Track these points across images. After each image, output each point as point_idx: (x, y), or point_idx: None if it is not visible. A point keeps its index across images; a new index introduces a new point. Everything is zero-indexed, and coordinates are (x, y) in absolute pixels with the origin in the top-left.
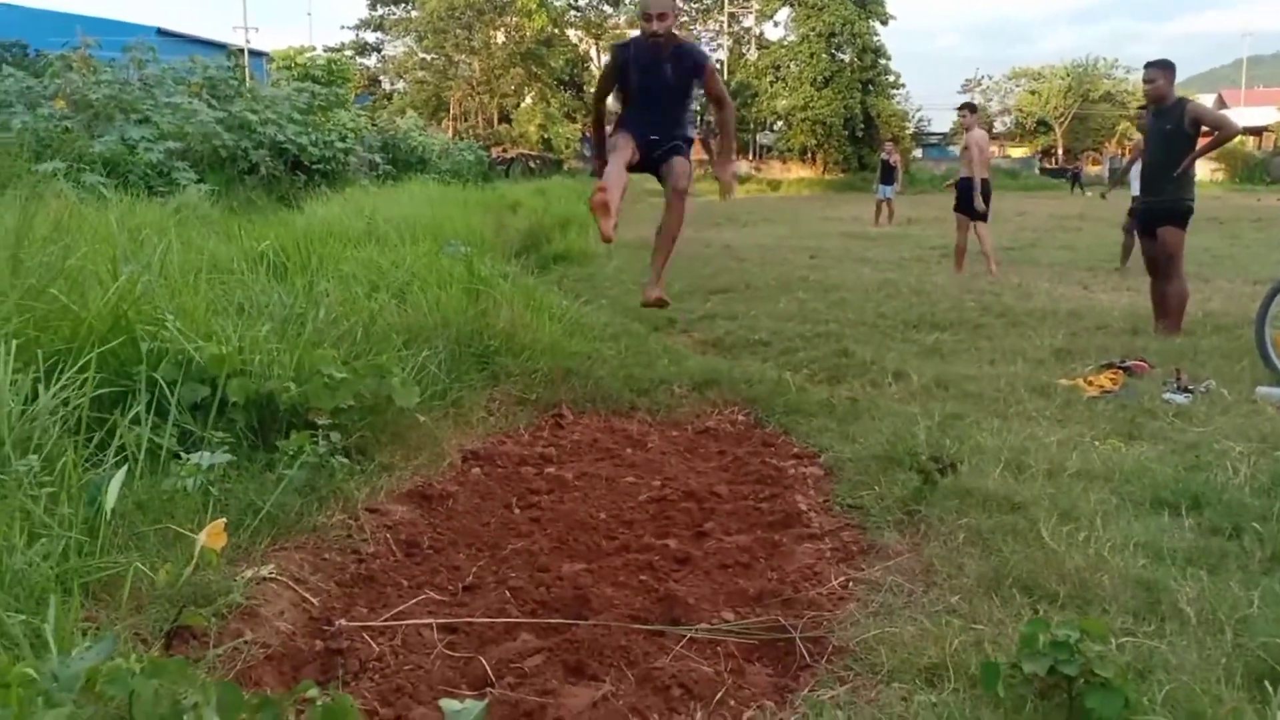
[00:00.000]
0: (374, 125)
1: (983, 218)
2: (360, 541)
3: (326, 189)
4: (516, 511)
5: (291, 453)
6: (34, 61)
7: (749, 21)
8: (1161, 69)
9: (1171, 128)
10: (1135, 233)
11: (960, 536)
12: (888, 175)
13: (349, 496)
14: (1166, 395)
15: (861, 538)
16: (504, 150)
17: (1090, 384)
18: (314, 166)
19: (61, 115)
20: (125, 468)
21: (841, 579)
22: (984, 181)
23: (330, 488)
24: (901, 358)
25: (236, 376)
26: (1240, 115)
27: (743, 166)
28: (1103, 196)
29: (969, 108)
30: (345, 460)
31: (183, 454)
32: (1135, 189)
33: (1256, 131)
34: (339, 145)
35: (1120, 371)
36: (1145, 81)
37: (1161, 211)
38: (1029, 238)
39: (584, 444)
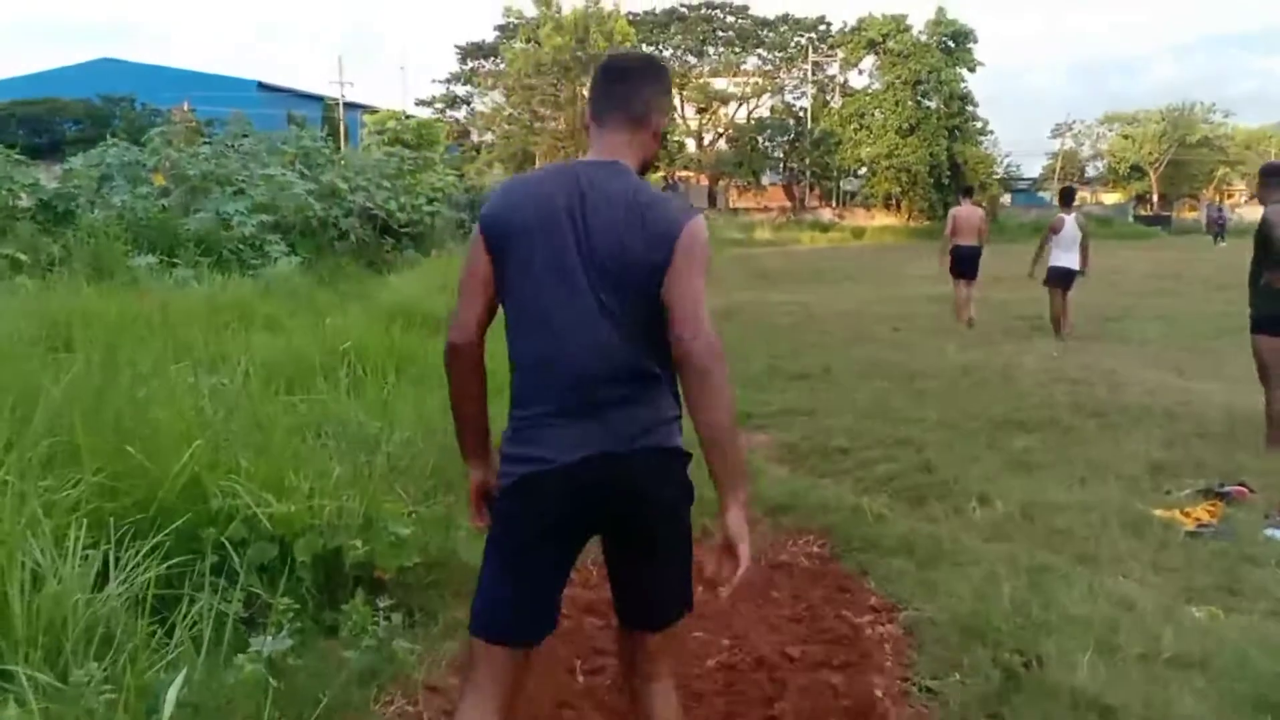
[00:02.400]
0: (461, 181)
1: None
2: None
3: (414, 251)
4: (580, 680)
5: (353, 625)
6: (140, 115)
7: (833, 69)
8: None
9: (1261, 234)
10: None
11: None
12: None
13: (409, 675)
14: (1268, 531)
15: None
16: None
17: (1187, 515)
18: (402, 230)
19: (159, 192)
20: (184, 672)
21: None
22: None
23: (391, 671)
24: (986, 473)
25: (304, 534)
26: None
27: (826, 214)
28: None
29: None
30: (407, 642)
31: (249, 622)
32: None
33: None
34: (426, 209)
35: (1219, 500)
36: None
37: (1250, 317)
38: (1122, 305)
39: None
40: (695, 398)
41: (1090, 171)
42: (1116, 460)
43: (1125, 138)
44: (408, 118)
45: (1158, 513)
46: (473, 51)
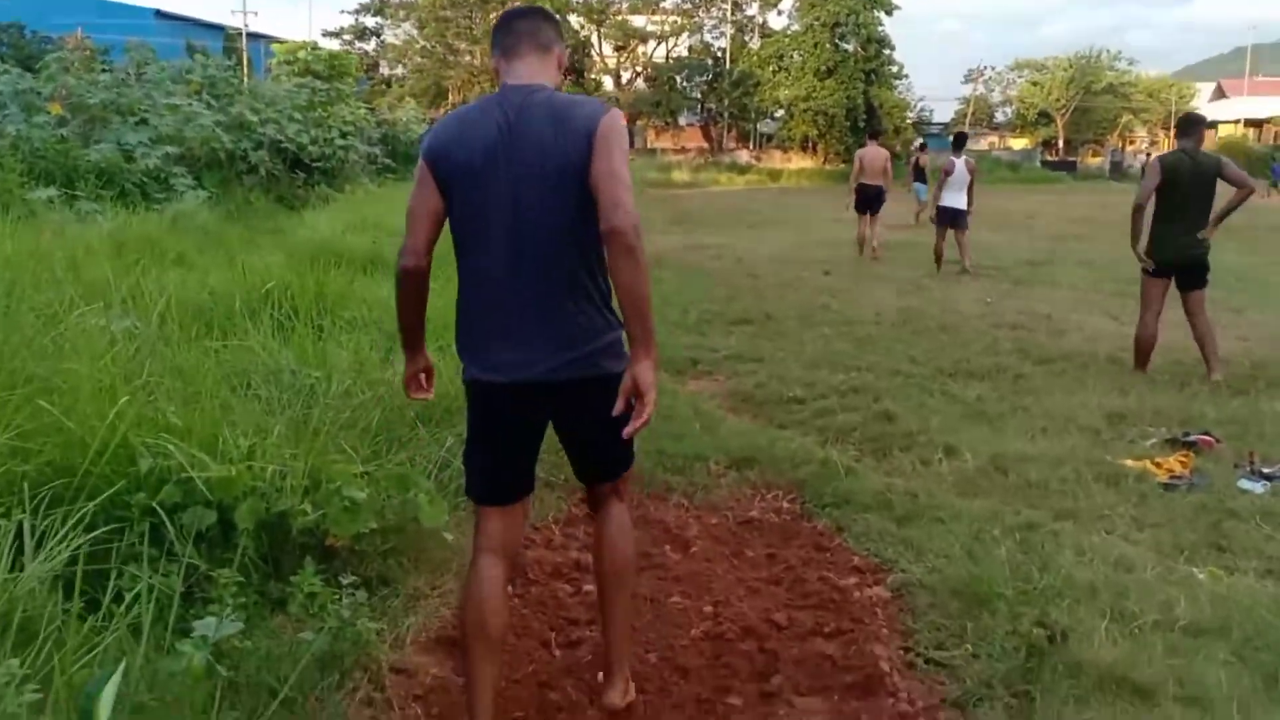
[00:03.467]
0: (372, 115)
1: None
2: None
3: (326, 187)
4: (556, 654)
5: (304, 600)
6: (30, 42)
7: (752, 10)
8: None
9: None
10: None
11: None
12: (920, 174)
13: (373, 656)
14: (1243, 483)
15: None
16: None
17: (1159, 466)
18: (314, 164)
19: (57, 122)
20: (122, 665)
21: None
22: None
23: (353, 653)
24: (947, 423)
25: (246, 498)
26: (1241, 106)
27: (743, 155)
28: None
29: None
30: (368, 620)
31: (186, 597)
32: None
33: (1258, 124)
34: (339, 143)
35: (1188, 451)
36: None
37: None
38: (1043, 250)
39: None
40: (621, 270)
41: (999, 117)
42: (1073, 409)
43: (1034, 84)
44: (316, 49)
45: (1129, 463)
46: None
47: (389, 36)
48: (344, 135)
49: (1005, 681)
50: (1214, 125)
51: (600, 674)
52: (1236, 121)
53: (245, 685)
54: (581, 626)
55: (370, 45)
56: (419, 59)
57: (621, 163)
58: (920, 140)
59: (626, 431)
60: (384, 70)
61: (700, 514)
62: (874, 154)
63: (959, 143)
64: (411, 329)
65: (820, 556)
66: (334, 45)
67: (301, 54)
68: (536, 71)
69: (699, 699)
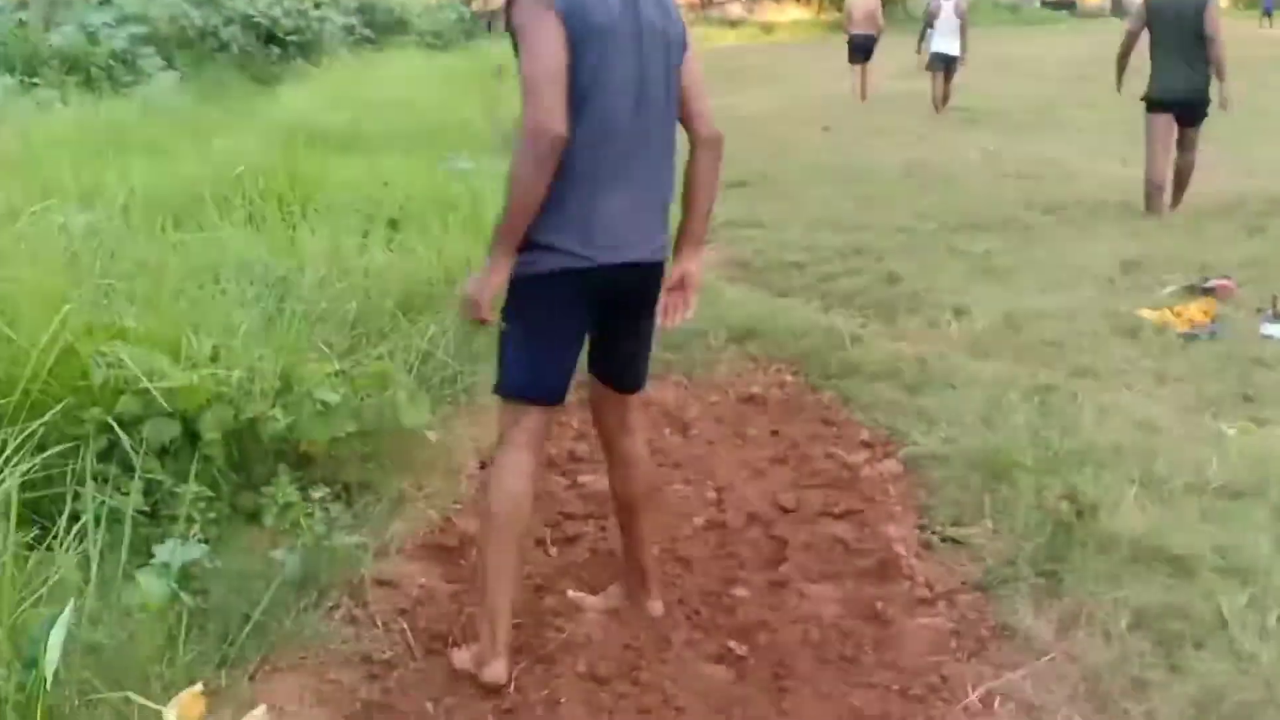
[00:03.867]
0: None
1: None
2: (372, 642)
3: (303, 61)
4: (553, 552)
5: (278, 511)
6: None
7: None
8: None
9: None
10: None
11: (1123, 622)
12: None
13: (354, 565)
14: (1266, 330)
15: (986, 609)
16: (484, 3)
17: (1179, 316)
18: (288, 38)
19: (15, 6)
20: (71, 605)
21: (980, 690)
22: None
23: (333, 569)
24: (954, 282)
25: (211, 406)
26: None
27: (735, 9)
28: None
29: None
30: (346, 533)
31: (151, 516)
32: None
33: None
34: (314, 14)
35: (1209, 297)
36: None
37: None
38: (1048, 94)
39: None
40: (707, 172)
41: None
42: (1085, 259)
43: None
44: None
45: (1147, 314)
46: None
47: None
48: (318, 5)
49: (1031, 560)
50: None
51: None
52: None
53: (214, 611)
54: (579, 521)
55: None
56: None
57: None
58: None
59: (671, 323)
60: None
61: (700, 392)
62: (864, 2)
63: None
64: (530, 217)
65: (827, 432)
66: None
67: None
68: None
69: (704, 592)
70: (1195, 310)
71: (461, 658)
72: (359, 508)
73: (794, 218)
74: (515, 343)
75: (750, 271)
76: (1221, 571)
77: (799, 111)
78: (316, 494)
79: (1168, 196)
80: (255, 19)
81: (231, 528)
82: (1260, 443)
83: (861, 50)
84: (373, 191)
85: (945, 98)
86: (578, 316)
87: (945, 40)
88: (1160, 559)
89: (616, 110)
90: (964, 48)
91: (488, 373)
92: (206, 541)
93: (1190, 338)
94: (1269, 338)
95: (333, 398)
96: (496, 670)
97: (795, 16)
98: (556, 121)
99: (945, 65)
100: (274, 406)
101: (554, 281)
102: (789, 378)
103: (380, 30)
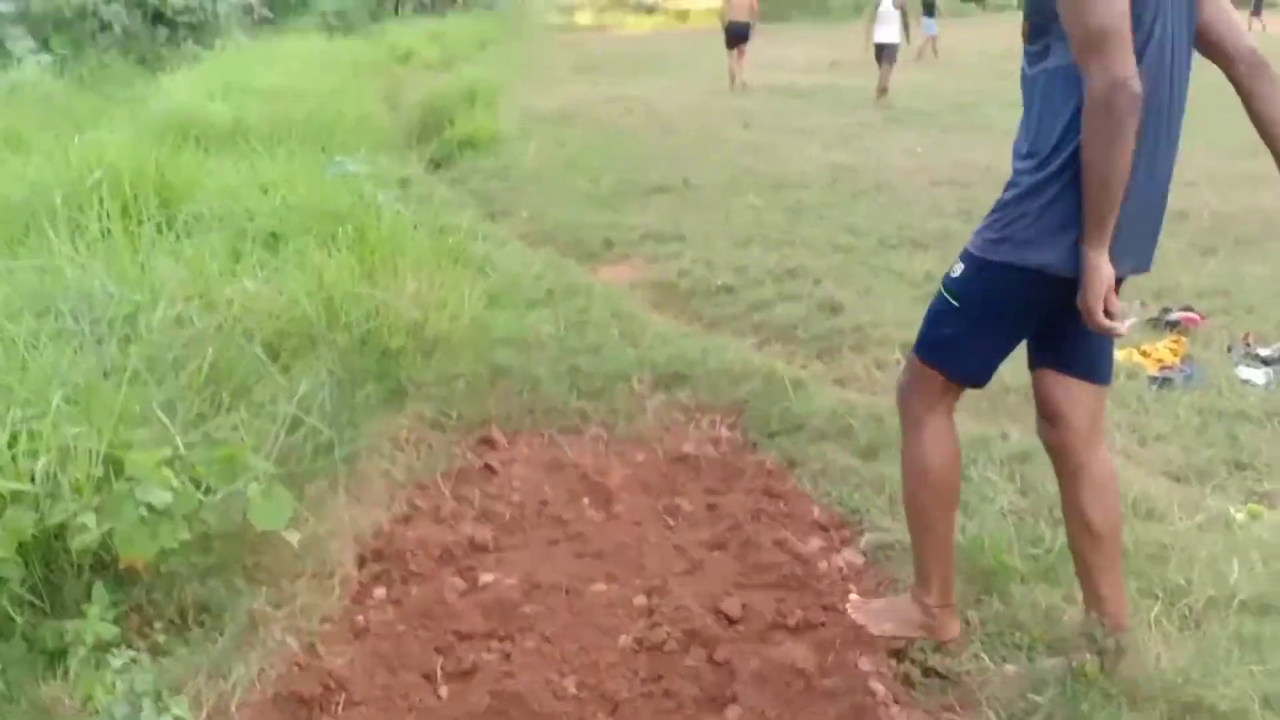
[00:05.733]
0: None
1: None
2: None
3: (194, 44)
4: (442, 693)
5: (88, 648)
6: None
7: None
8: None
9: None
10: None
11: None
12: (930, 7)
13: None
14: (1242, 371)
15: None
16: None
17: (1147, 356)
18: (178, 19)
19: None
20: None
21: None
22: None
23: None
24: (899, 311)
25: (4, 510)
26: None
27: None
28: None
29: None
30: (176, 674)
31: None
32: None
33: None
34: None
35: (1178, 336)
36: None
37: None
38: (971, 90)
39: (527, 504)
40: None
41: None
42: None
43: None
44: None
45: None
46: None
47: None
48: None
49: (1046, 715)
50: None
51: None
52: None
53: None
54: (478, 644)
55: None
56: None
57: None
58: None
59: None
60: None
61: (623, 449)
62: None
63: None
64: (1119, 196)
65: (772, 506)
66: None
67: None
68: None
69: None
70: (1163, 350)
71: (887, 626)
72: (195, 639)
73: (720, 231)
74: (967, 330)
75: (676, 297)
76: None
77: (717, 104)
78: (138, 623)
79: None
80: None
81: (28, 674)
82: (1274, 531)
83: (738, 38)
84: (250, 201)
85: (884, 88)
86: (1037, 316)
87: (884, 29)
88: (1201, 711)
89: (1154, 89)
90: (907, 34)
91: (371, 436)
92: None
93: (1164, 383)
94: (1248, 382)
95: (163, 499)
96: (954, 627)
97: (709, 5)
98: (1132, 78)
99: (887, 53)
100: (87, 507)
101: (1039, 281)
102: (725, 432)
103: (281, 10)
